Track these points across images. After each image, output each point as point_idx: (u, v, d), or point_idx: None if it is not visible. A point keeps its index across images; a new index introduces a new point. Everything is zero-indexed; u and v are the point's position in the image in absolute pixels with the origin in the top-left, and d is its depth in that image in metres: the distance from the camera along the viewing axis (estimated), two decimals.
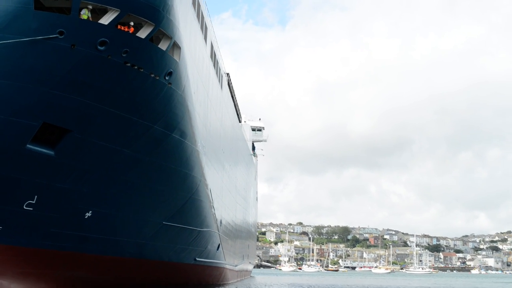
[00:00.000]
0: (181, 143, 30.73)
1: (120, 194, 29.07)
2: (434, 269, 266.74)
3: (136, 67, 24.94)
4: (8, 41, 21.87)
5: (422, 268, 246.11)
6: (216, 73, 44.36)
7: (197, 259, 40.16)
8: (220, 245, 45.78)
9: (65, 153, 25.25)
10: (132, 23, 24.37)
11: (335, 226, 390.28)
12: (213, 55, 42.04)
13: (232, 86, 58.04)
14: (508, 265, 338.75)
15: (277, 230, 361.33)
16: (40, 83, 22.91)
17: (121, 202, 29.41)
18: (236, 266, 62.50)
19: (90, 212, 27.87)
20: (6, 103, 22.79)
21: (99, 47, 23.34)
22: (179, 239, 35.91)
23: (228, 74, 54.23)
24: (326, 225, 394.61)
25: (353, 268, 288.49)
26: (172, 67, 26.91)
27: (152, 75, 25.94)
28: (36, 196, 25.38)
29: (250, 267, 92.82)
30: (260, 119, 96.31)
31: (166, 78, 26.76)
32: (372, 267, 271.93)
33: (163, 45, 26.04)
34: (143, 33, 24.73)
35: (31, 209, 25.52)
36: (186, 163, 32.33)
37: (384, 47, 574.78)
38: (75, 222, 27.56)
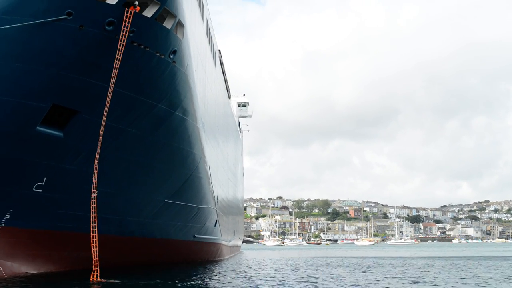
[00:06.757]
0: (184, 121, 30.81)
1: (125, 174, 29.18)
2: (416, 240, 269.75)
3: (142, 46, 24.93)
4: (18, 24, 21.71)
5: (404, 239, 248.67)
6: (211, 50, 44.35)
7: (196, 235, 40.43)
8: (217, 222, 46.06)
9: (73, 135, 25.30)
10: (137, 2, 24.25)
11: (315, 200, 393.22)
12: (208, 32, 42.02)
13: (223, 63, 58.07)
14: (488, 234, 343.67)
15: (257, 205, 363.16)
16: (49, 65, 22.84)
17: (125, 182, 29.53)
18: (229, 241, 62.98)
19: (96, 192, 27.91)
20: (16, 86, 22.75)
21: (106, 27, 23.27)
22: (180, 216, 36.14)
23: (219, 50, 54.20)
24: (306, 199, 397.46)
25: (335, 241, 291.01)
26: (177, 46, 26.91)
27: (158, 54, 25.93)
28: (45, 178, 25.46)
29: (240, 242, 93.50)
30: (244, 94, 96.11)
31: (171, 56, 26.76)
32: (354, 239, 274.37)
33: (168, 24, 25.99)
34: (149, 12, 24.66)
35: (40, 191, 25.59)
36: (188, 140, 32.46)
37: (371, 14, 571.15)
38: (82, 203, 27.54)
